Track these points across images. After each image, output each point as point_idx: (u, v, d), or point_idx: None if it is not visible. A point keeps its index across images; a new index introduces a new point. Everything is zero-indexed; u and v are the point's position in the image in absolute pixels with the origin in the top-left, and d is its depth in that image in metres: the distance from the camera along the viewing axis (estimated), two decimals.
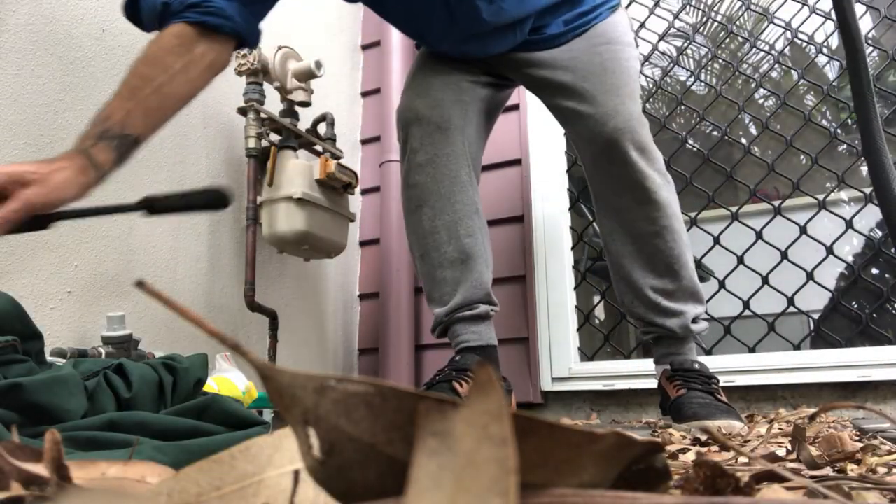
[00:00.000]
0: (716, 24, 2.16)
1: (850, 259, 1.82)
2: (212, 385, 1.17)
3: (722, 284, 1.87)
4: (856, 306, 1.81)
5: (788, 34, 2.02)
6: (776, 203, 1.88)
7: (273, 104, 1.66)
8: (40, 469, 0.30)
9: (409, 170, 1.35)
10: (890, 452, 0.61)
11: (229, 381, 1.23)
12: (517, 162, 1.98)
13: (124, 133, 0.94)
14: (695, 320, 1.29)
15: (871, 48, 1.98)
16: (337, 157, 1.72)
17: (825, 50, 2.01)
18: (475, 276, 1.32)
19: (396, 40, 2.11)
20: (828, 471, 0.51)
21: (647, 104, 1.66)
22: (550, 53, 1.31)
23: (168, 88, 0.98)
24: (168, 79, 0.98)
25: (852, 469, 0.52)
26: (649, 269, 1.28)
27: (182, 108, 1.02)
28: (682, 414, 1.20)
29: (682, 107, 2.04)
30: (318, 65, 1.65)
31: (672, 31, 2.11)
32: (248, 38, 1.09)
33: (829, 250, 1.78)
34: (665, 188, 1.26)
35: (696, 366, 1.28)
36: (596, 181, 1.32)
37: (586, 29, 1.32)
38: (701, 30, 2.15)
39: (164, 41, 1.00)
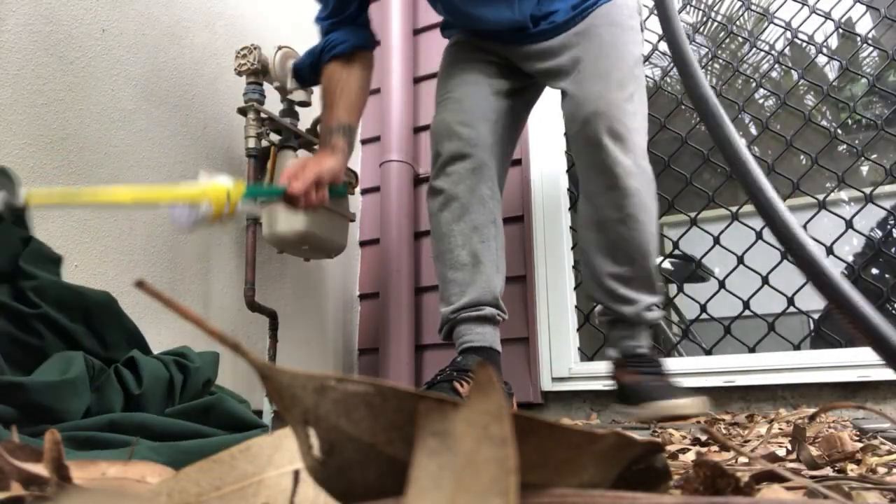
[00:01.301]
0: (716, 24, 2.16)
1: (850, 259, 1.82)
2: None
3: (722, 284, 1.87)
4: None
5: (788, 34, 2.02)
6: None
7: (273, 104, 1.66)
8: (40, 469, 0.30)
9: (436, 176, 1.43)
10: (890, 452, 0.61)
11: (215, 182, 1.14)
12: (517, 162, 1.97)
13: (341, 124, 1.38)
14: (649, 308, 1.33)
15: (871, 48, 1.98)
16: None
17: (825, 50, 2.01)
18: (484, 279, 1.35)
19: (396, 40, 2.11)
20: (828, 471, 0.51)
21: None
22: (557, 40, 1.36)
23: (348, 89, 1.41)
24: (344, 85, 1.41)
25: (852, 469, 0.52)
26: (609, 257, 1.31)
27: (363, 98, 1.45)
28: (638, 397, 1.23)
29: (682, 107, 2.04)
30: None
31: None
32: (366, 44, 1.47)
33: (829, 250, 1.78)
34: (637, 177, 1.27)
35: (645, 350, 1.33)
36: (577, 164, 1.36)
37: (592, 10, 1.34)
38: (701, 30, 2.15)
39: (326, 77, 1.44)
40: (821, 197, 1.83)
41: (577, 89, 1.29)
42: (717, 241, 1.91)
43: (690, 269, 1.98)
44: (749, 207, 1.93)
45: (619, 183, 1.26)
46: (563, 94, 1.34)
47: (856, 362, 1.54)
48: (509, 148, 1.50)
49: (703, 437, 0.88)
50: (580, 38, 1.33)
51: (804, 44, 2.03)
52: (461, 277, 1.35)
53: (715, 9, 2.16)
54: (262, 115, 1.58)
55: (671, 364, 1.75)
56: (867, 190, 1.81)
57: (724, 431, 1.13)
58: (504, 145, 1.45)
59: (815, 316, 1.83)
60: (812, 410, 1.39)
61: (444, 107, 1.44)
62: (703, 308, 1.89)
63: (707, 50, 2.12)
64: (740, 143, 0.55)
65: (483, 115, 1.40)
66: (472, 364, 1.30)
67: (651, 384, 1.24)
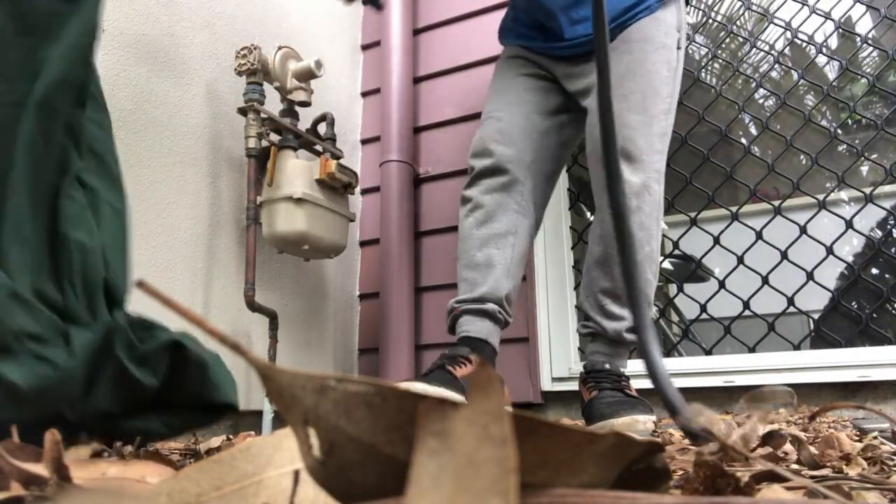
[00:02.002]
0: (716, 24, 2.16)
1: (850, 259, 1.82)
2: None
3: (722, 284, 1.87)
4: (856, 306, 1.81)
5: (788, 34, 2.02)
6: (776, 203, 1.88)
7: (273, 104, 1.66)
8: (40, 469, 0.30)
9: (467, 186, 1.48)
10: (894, 454, 0.61)
11: None
12: None
13: None
14: (632, 330, 1.33)
15: (871, 48, 1.98)
16: (337, 157, 1.72)
17: (825, 50, 2.01)
18: (493, 280, 1.39)
19: (396, 40, 2.11)
20: (827, 471, 0.51)
21: None
22: (590, 65, 1.39)
23: None
24: None
25: (852, 468, 0.52)
26: (604, 271, 1.34)
27: None
28: (592, 416, 1.25)
29: (683, 105, 2.04)
30: (318, 65, 1.64)
31: None
32: None
33: (829, 250, 1.78)
34: (641, 197, 1.29)
35: (608, 366, 1.34)
36: (591, 179, 1.39)
37: (630, 24, 1.36)
38: (701, 30, 2.15)
39: None
40: (821, 197, 1.83)
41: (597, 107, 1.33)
42: (717, 241, 1.91)
43: (690, 269, 1.98)
44: (749, 207, 1.93)
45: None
46: (587, 109, 1.38)
47: (856, 362, 1.54)
48: (555, 165, 1.53)
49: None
50: (611, 55, 1.36)
51: (804, 44, 2.03)
52: (472, 276, 1.40)
53: (715, 9, 2.16)
54: (262, 115, 1.58)
55: (671, 364, 1.75)
56: (867, 190, 1.81)
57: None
58: (547, 163, 1.49)
59: (815, 316, 1.83)
60: (810, 409, 1.39)
61: (485, 125, 1.48)
62: (703, 308, 1.89)
63: (707, 50, 2.12)
64: None
65: (523, 134, 1.44)
66: (464, 351, 1.34)
67: (605, 401, 1.25)
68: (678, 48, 1.39)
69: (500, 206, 1.42)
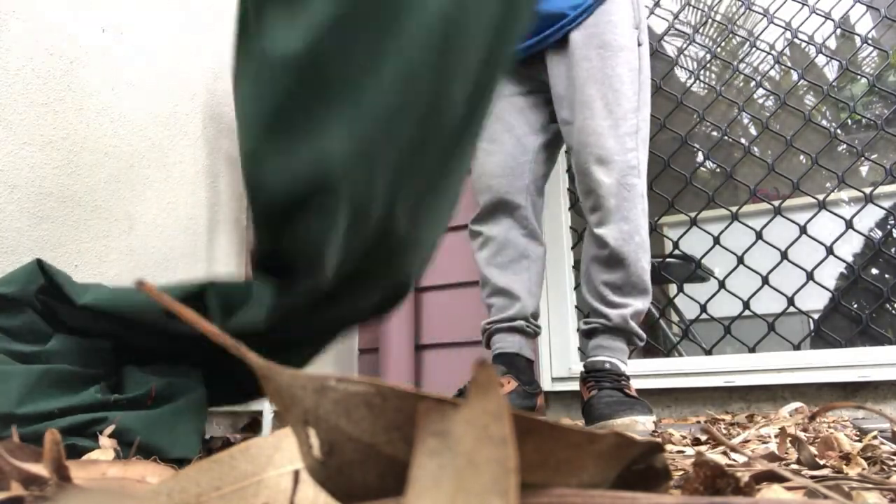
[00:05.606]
0: (716, 24, 2.16)
1: (850, 259, 1.82)
2: None
3: (722, 284, 1.87)
4: (856, 306, 1.81)
5: (788, 34, 2.02)
6: (776, 203, 1.87)
7: None
8: (40, 469, 0.30)
9: (474, 221, 1.57)
10: (894, 454, 0.61)
11: None
12: None
13: None
14: (636, 315, 1.38)
15: (871, 48, 1.98)
16: None
17: (825, 50, 2.01)
18: (518, 305, 1.49)
19: None
20: (827, 471, 0.51)
21: None
22: (560, 57, 1.43)
23: None
24: None
25: (852, 468, 0.52)
26: (604, 267, 1.38)
27: None
28: (591, 415, 1.28)
29: (682, 105, 2.04)
30: None
31: (672, 31, 2.11)
32: None
33: (829, 250, 1.78)
34: (616, 196, 1.34)
35: (608, 365, 1.36)
36: (578, 187, 1.45)
37: (585, 18, 1.39)
38: (701, 30, 2.15)
39: None
40: (821, 197, 1.83)
41: (569, 117, 1.41)
42: (717, 241, 1.91)
43: (690, 269, 1.98)
44: (749, 207, 1.93)
45: (601, 203, 1.36)
46: (561, 121, 1.45)
47: (856, 362, 1.54)
48: (547, 173, 1.60)
49: (703, 437, 0.88)
50: (571, 62, 1.40)
51: (804, 44, 2.03)
52: (499, 302, 1.51)
53: (715, 9, 2.16)
54: None
55: (671, 364, 1.75)
56: (867, 190, 1.81)
57: (724, 431, 1.13)
58: (541, 177, 1.56)
59: (815, 316, 1.83)
60: (810, 409, 1.39)
61: (479, 158, 1.54)
62: (703, 308, 1.89)
63: (707, 50, 2.12)
64: None
65: (518, 163, 1.51)
66: (499, 371, 1.42)
67: (604, 400, 1.28)
68: (638, 45, 1.43)
69: (508, 234, 1.51)
